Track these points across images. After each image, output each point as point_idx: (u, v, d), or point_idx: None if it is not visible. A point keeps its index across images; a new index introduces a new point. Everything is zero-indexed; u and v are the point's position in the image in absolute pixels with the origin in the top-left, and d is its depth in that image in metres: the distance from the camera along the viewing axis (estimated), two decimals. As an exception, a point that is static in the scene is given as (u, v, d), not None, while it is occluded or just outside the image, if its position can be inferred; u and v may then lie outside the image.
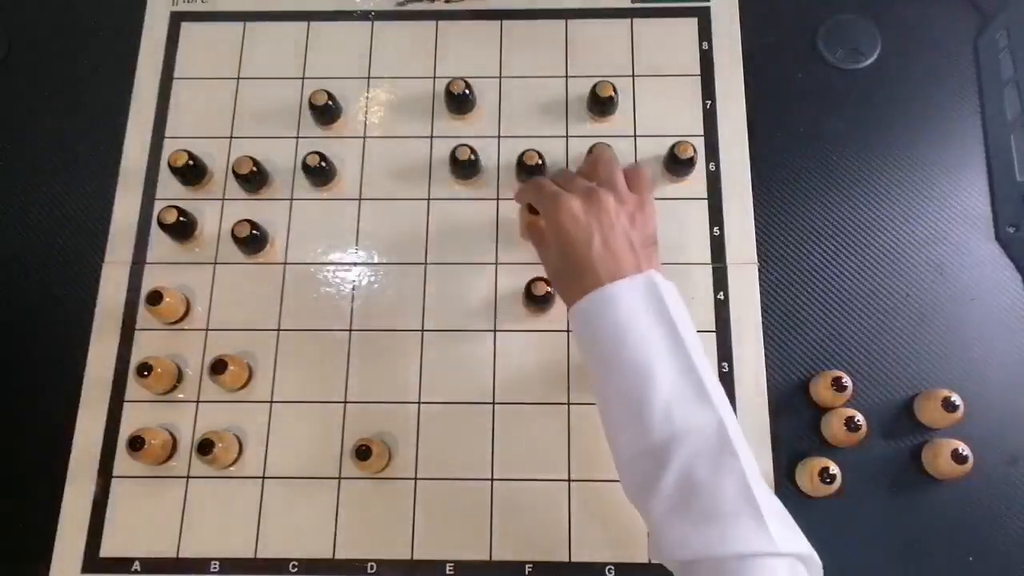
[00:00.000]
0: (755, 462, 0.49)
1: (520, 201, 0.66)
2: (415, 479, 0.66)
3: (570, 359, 0.69)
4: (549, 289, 0.67)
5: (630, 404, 0.50)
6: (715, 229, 0.72)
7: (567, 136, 0.75)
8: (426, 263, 0.72)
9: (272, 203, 0.74)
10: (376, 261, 0.72)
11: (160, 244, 0.73)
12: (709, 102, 0.76)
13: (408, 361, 0.69)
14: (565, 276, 0.56)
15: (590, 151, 0.71)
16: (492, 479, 0.66)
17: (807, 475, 0.63)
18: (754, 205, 0.73)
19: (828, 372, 0.66)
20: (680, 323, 0.52)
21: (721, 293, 0.70)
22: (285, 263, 0.72)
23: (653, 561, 0.51)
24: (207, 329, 0.70)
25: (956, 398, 0.64)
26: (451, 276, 0.71)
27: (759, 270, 0.71)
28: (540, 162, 0.71)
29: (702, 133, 0.75)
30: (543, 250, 0.61)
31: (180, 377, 0.69)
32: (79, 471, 0.67)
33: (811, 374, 0.68)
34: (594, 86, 0.73)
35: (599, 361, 0.53)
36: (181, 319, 0.71)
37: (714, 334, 0.69)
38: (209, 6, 0.81)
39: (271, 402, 0.68)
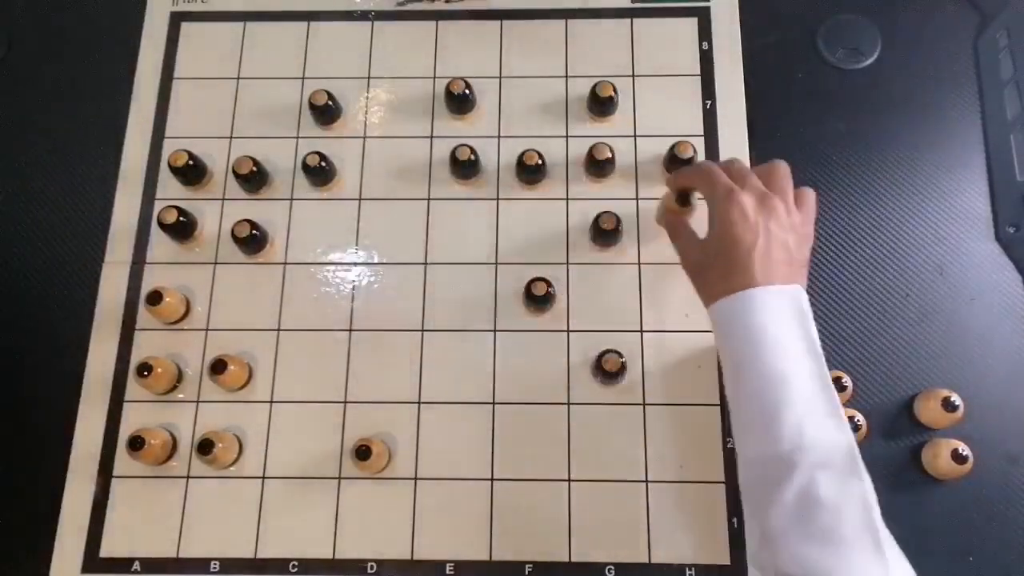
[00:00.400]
0: (874, 491, 0.48)
1: (676, 185, 0.64)
2: (415, 479, 0.66)
3: (570, 359, 0.69)
4: (549, 289, 0.67)
5: (762, 409, 0.50)
6: (715, 229, 0.72)
7: (567, 136, 0.75)
8: (426, 263, 0.72)
9: (272, 203, 0.74)
10: (376, 261, 0.72)
11: (160, 244, 0.73)
12: (709, 102, 0.76)
13: (408, 361, 0.69)
14: (713, 271, 0.56)
15: (590, 151, 0.71)
16: (492, 479, 0.66)
17: (807, 475, 0.63)
18: (754, 205, 0.73)
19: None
20: (816, 338, 0.51)
21: (721, 293, 0.70)
22: (285, 263, 0.72)
23: (753, 568, 0.50)
24: (207, 329, 0.70)
25: (956, 398, 0.64)
26: (451, 276, 0.71)
27: (759, 270, 0.71)
28: (540, 162, 0.71)
29: (702, 133, 0.75)
30: (683, 241, 0.61)
31: (180, 377, 0.69)
32: (79, 471, 0.67)
33: (811, 374, 0.68)
34: (594, 86, 0.73)
35: (735, 360, 0.53)
36: (181, 319, 0.71)
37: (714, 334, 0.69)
38: (209, 6, 0.81)
39: (271, 402, 0.68)
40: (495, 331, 0.70)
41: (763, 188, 0.56)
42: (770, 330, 0.51)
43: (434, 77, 0.78)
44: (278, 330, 0.70)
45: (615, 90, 0.73)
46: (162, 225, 0.70)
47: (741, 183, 0.56)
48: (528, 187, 0.74)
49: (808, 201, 0.59)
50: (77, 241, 0.74)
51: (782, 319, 0.51)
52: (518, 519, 0.65)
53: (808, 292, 0.70)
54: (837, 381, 0.65)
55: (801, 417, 0.49)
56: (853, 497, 0.47)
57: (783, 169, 0.58)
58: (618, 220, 0.69)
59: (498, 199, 0.74)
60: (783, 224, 0.55)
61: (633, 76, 0.77)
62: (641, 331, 0.69)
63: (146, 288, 0.70)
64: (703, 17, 0.79)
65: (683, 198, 0.64)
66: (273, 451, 0.67)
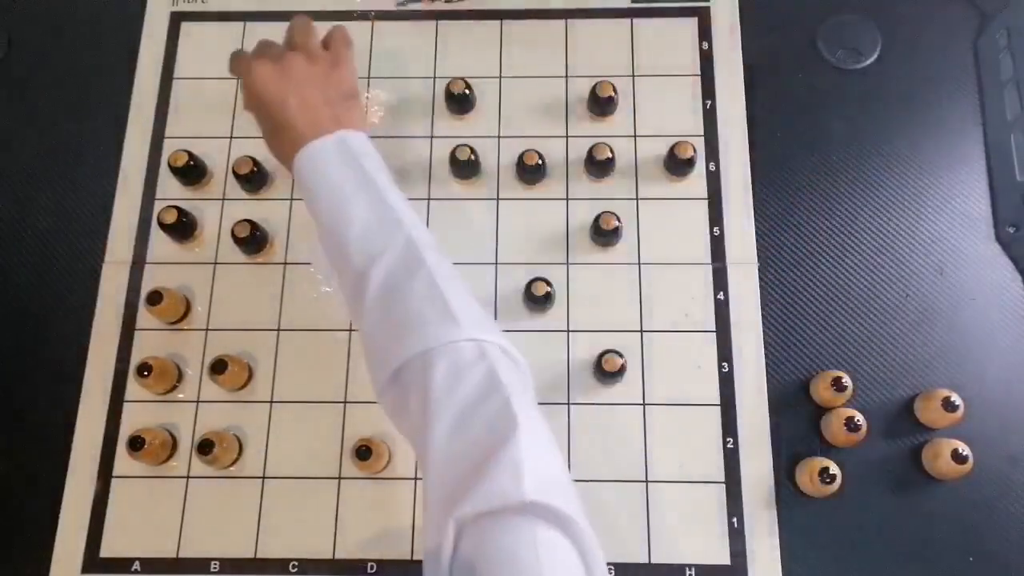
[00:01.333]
0: (452, 271, 0.53)
1: (234, 74, 0.67)
2: (415, 479, 0.66)
3: (570, 359, 0.69)
4: (549, 289, 0.67)
5: (336, 246, 0.55)
6: (715, 229, 0.72)
7: (567, 136, 0.75)
8: (426, 263, 0.72)
9: (272, 203, 0.74)
10: (376, 261, 0.72)
11: (160, 244, 0.73)
12: (709, 102, 0.76)
13: (408, 361, 0.69)
14: (274, 137, 0.60)
15: (590, 151, 0.71)
16: (492, 479, 0.66)
17: (807, 475, 0.63)
18: (754, 205, 0.73)
19: (828, 372, 0.66)
20: (370, 167, 0.56)
21: (721, 293, 0.70)
22: (285, 263, 0.72)
23: (377, 399, 0.52)
24: (207, 329, 0.70)
25: (956, 398, 0.64)
26: (451, 276, 0.71)
27: (759, 270, 0.71)
28: (540, 162, 0.71)
29: (702, 133, 0.75)
30: (257, 118, 0.63)
31: (180, 377, 0.69)
32: (79, 471, 0.67)
33: (811, 374, 0.68)
34: (594, 86, 0.73)
35: (311, 209, 0.57)
36: (181, 319, 0.71)
37: (714, 334, 0.69)
38: (209, 6, 0.81)
39: (271, 402, 0.68)
40: (495, 331, 0.69)
41: (280, 50, 0.62)
42: (324, 175, 0.56)
43: (434, 77, 0.78)
44: (278, 330, 0.70)
45: (615, 90, 0.73)
46: (162, 225, 0.70)
47: (259, 54, 0.61)
48: (528, 187, 0.74)
49: (334, 40, 0.64)
50: (77, 241, 0.73)
51: (331, 162, 0.56)
52: (518, 519, 0.65)
53: (807, 291, 0.71)
54: (837, 381, 0.64)
55: (362, 235, 0.54)
56: (417, 280, 0.51)
57: (298, 23, 0.64)
58: (618, 220, 0.69)
59: (498, 199, 0.74)
60: (307, 73, 0.59)
61: (633, 76, 0.77)
62: (641, 331, 0.69)
63: (146, 288, 0.70)
64: (703, 17, 0.79)
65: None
66: (273, 451, 0.67)
